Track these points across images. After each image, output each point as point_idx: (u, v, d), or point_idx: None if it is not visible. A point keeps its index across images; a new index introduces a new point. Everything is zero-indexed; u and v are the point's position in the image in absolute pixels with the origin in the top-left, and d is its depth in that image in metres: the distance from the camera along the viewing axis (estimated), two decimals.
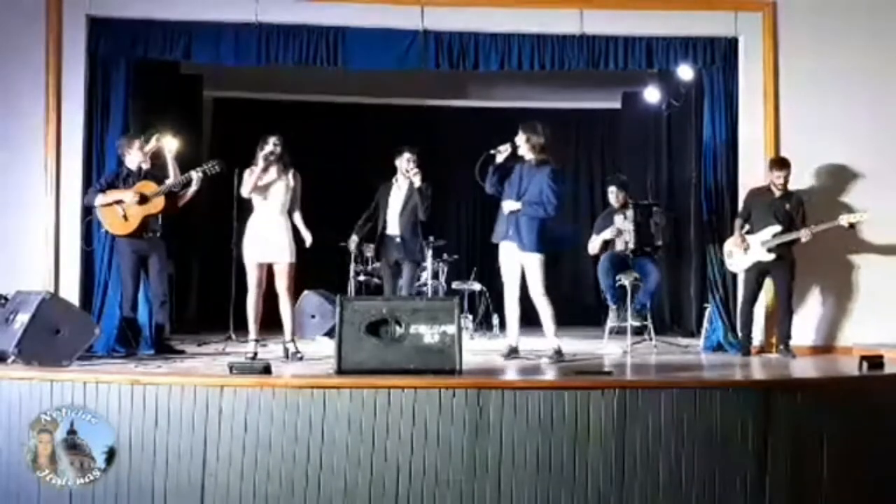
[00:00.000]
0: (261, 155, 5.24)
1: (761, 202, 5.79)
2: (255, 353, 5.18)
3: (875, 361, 4.76)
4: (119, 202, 5.36)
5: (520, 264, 5.30)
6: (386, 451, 4.02)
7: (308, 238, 5.36)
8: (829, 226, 5.59)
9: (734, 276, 6.07)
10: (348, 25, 6.02)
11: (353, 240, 6.39)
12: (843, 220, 5.56)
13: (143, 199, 5.35)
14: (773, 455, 4.13)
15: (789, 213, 5.70)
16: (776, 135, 6.10)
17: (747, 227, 5.82)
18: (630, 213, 6.16)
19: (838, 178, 6.07)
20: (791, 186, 5.77)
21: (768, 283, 5.87)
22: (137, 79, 6.01)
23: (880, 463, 4.32)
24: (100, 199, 5.39)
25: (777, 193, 5.75)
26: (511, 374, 4.81)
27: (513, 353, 5.34)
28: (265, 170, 5.24)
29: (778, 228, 5.65)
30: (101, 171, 5.76)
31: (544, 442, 4.02)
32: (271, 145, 5.26)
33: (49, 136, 5.77)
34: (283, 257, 5.23)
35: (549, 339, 5.28)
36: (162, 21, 5.92)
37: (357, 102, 8.22)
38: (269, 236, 5.22)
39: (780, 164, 5.75)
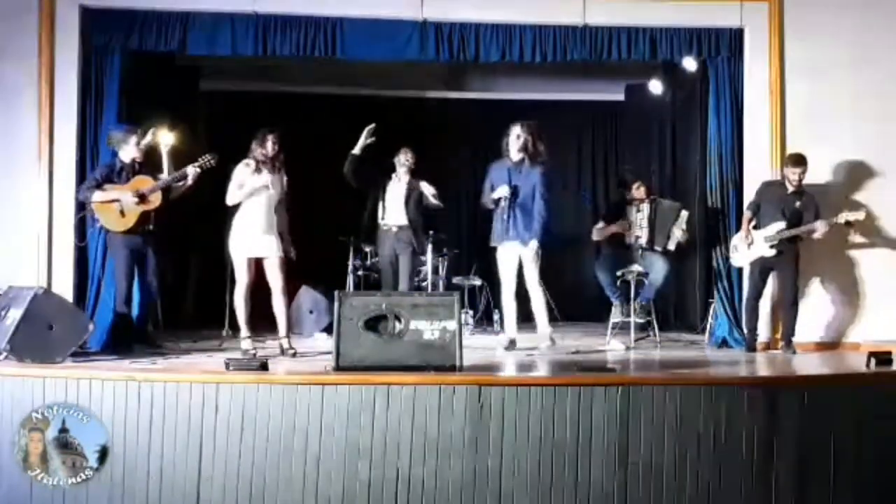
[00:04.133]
0: (259, 157, 5.15)
1: (772, 196, 5.70)
2: (255, 351, 5.10)
3: (884, 358, 4.69)
4: (116, 200, 5.26)
5: (518, 260, 5.45)
6: (385, 449, 3.97)
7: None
8: (838, 220, 5.52)
9: (739, 270, 5.99)
10: (346, 16, 5.94)
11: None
12: (842, 217, 5.51)
13: (142, 197, 5.25)
14: (779, 454, 4.08)
15: (799, 210, 5.61)
16: (782, 127, 6.01)
17: (754, 221, 5.72)
18: (646, 207, 6.09)
19: (845, 171, 5.99)
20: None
21: (773, 279, 5.78)
22: (132, 70, 5.91)
23: (890, 462, 4.23)
24: (97, 196, 5.25)
25: (790, 189, 5.65)
26: (512, 371, 4.75)
27: (512, 344, 5.52)
28: (257, 171, 5.17)
29: (782, 225, 5.57)
30: (94, 164, 5.65)
31: (546, 439, 3.98)
32: (271, 145, 5.20)
33: (42, 128, 5.67)
34: (273, 252, 5.19)
35: (542, 328, 5.49)
36: (157, 11, 5.81)
37: (355, 94, 8.11)
38: (259, 232, 5.18)
39: (798, 160, 5.60)
